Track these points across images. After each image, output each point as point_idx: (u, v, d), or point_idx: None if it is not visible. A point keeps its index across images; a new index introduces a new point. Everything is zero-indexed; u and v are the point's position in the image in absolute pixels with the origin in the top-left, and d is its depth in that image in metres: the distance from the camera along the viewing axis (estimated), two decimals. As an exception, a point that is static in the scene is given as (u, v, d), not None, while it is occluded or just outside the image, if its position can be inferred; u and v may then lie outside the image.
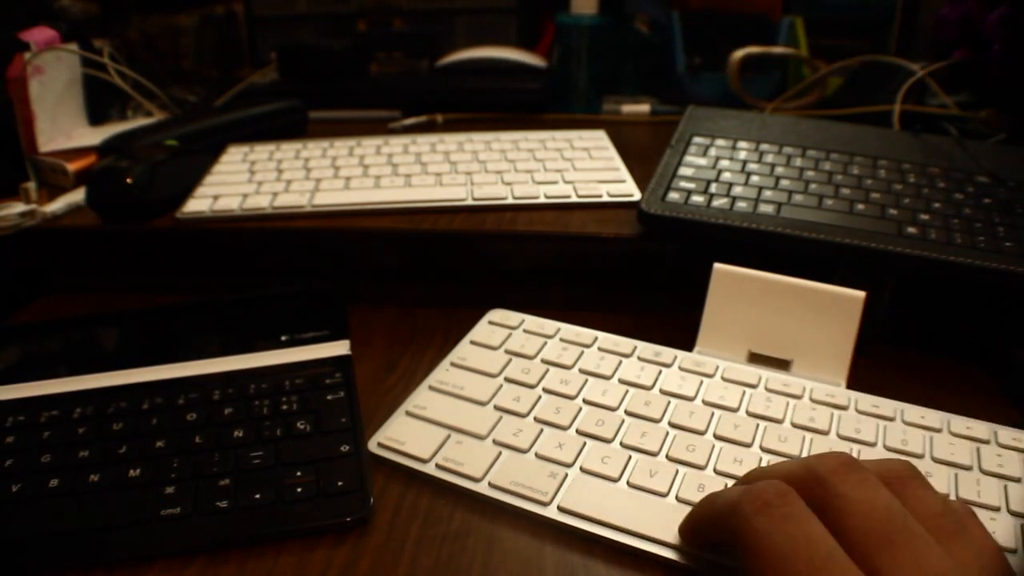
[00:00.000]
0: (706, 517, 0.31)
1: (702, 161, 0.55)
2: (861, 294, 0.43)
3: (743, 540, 0.27)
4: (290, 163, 0.62)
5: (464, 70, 0.85)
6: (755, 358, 0.45)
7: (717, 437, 0.39)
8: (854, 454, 0.37)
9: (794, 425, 0.39)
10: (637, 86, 0.88)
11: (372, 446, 0.39)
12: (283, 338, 0.48)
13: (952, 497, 0.35)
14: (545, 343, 0.46)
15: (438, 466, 0.37)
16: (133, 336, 0.50)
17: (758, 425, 0.39)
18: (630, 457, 0.37)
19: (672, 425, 0.39)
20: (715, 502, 0.30)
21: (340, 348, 0.47)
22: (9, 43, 0.66)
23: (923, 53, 0.77)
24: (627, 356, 0.45)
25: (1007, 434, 0.39)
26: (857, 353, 0.43)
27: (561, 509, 0.35)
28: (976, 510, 0.34)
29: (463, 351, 0.46)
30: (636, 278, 0.53)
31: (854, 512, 0.26)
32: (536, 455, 0.38)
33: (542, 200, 0.55)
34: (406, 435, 0.39)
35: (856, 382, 0.43)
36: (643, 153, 0.64)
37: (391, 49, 0.93)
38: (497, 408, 0.41)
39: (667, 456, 0.37)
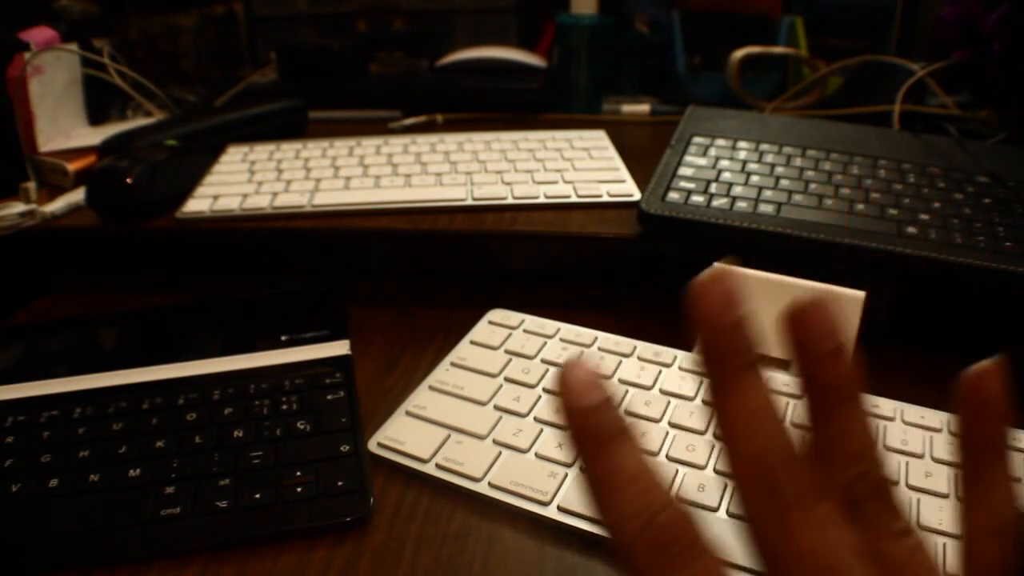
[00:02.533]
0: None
1: (702, 161, 0.55)
2: (861, 294, 0.43)
3: None
4: (290, 163, 0.62)
5: (464, 70, 0.85)
6: (755, 358, 0.45)
7: (717, 437, 0.38)
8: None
9: (794, 425, 0.39)
10: (637, 86, 0.88)
11: (372, 446, 0.39)
12: (283, 338, 0.48)
13: (952, 497, 0.35)
14: (545, 343, 0.46)
15: (438, 466, 0.37)
16: (133, 336, 0.50)
17: (758, 425, 0.39)
18: (630, 457, 0.37)
19: (672, 425, 0.39)
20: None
21: (340, 348, 0.47)
22: (9, 43, 0.66)
23: (923, 53, 0.77)
24: (627, 356, 0.45)
25: (1007, 434, 0.39)
26: (857, 353, 0.43)
27: (561, 509, 0.35)
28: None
29: (463, 351, 0.46)
30: (636, 278, 0.53)
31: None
32: (536, 455, 0.38)
33: (542, 200, 0.55)
34: (406, 435, 0.39)
35: (856, 382, 0.43)
36: (643, 153, 0.64)
37: (391, 49, 0.93)
38: (497, 408, 0.41)
39: (667, 456, 0.37)
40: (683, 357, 0.45)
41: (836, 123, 0.61)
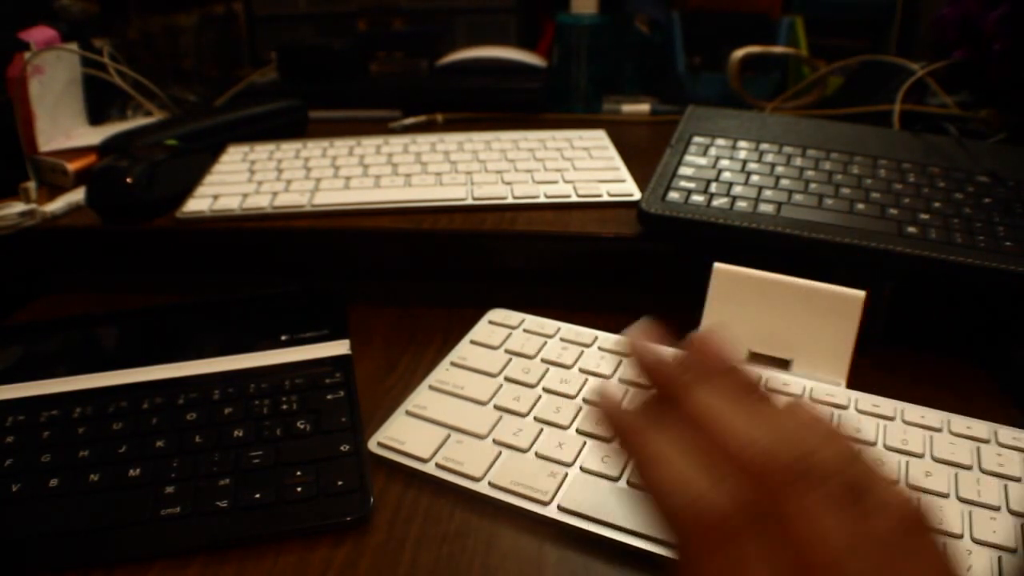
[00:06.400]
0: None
1: (702, 161, 0.55)
2: (861, 294, 0.43)
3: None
4: (290, 163, 0.62)
5: (464, 70, 0.85)
6: (755, 358, 0.45)
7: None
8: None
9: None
10: (637, 86, 0.88)
11: (372, 446, 0.39)
12: (283, 338, 0.48)
13: (952, 496, 0.35)
14: (545, 343, 0.46)
15: (438, 466, 0.37)
16: (133, 336, 0.50)
17: (758, 425, 0.39)
18: (630, 457, 0.37)
19: (672, 425, 0.39)
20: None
21: (340, 348, 0.47)
22: (9, 43, 0.66)
23: (923, 53, 0.77)
24: (627, 356, 0.45)
25: (1007, 433, 0.39)
26: (857, 353, 0.43)
27: (561, 509, 0.35)
28: (976, 509, 0.34)
29: (463, 351, 0.46)
30: (636, 278, 0.53)
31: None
32: (536, 454, 0.38)
33: (542, 200, 0.55)
34: (406, 435, 0.39)
35: (856, 382, 0.43)
36: (643, 153, 0.64)
37: (391, 49, 0.93)
38: (497, 408, 0.41)
39: (667, 456, 0.37)
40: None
41: (836, 123, 0.61)
